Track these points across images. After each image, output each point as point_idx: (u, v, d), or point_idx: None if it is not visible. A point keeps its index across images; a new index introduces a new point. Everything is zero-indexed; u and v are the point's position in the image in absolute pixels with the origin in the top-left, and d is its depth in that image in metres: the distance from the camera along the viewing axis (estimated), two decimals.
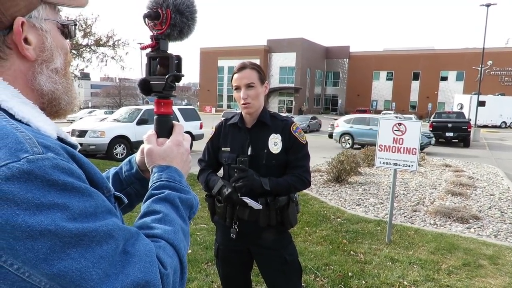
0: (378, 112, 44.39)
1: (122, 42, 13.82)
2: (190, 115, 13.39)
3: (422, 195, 7.27)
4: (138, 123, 11.51)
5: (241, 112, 2.07)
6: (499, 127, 36.76)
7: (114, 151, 11.01)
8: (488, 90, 41.92)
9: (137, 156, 0.99)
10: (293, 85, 54.62)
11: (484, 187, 8.07)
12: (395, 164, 4.49)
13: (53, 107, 0.76)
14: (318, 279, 3.58)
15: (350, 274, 3.68)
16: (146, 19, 0.89)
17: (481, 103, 25.72)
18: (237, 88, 1.99)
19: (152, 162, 0.89)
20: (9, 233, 0.53)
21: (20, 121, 0.65)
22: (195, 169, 2.24)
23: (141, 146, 0.95)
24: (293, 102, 54.53)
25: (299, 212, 2.18)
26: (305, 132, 15.90)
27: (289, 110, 50.77)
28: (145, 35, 0.93)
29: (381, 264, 3.94)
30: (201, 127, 13.55)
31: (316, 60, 59.06)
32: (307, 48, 55.54)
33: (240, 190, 1.89)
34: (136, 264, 0.62)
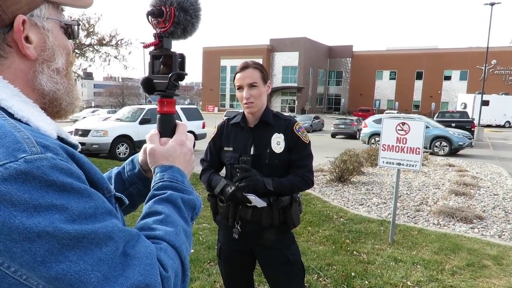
0: (381, 111, 44.17)
1: (125, 42, 13.82)
2: (193, 115, 13.43)
3: (426, 194, 7.24)
4: (141, 123, 11.55)
5: (243, 112, 2.06)
6: (503, 126, 36.57)
7: (117, 150, 11.05)
8: (492, 89, 41.66)
9: (139, 156, 0.98)
10: (295, 84, 54.48)
11: (488, 187, 8.02)
12: (399, 164, 4.47)
13: (54, 108, 0.75)
14: (321, 279, 3.57)
15: (353, 274, 3.66)
16: (149, 16, 0.87)
17: (485, 103, 25.67)
18: (240, 88, 1.98)
19: (155, 162, 0.88)
20: (6, 235, 0.52)
21: (19, 120, 0.64)
22: (198, 169, 2.23)
23: (144, 146, 0.94)
24: (296, 102, 54.40)
25: (302, 212, 2.16)
26: (308, 132, 15.58)
27: (291, 110, 50.74)
28: (148, 34, 0.92)
29: (384, 264, 3.92)
30: (203, 127, 13.55)
31: (319, 59, 58.89)
32: (310, 47, 55.38)
33: (243, 190, 1.88)
34: (136, 266, 0.60)
